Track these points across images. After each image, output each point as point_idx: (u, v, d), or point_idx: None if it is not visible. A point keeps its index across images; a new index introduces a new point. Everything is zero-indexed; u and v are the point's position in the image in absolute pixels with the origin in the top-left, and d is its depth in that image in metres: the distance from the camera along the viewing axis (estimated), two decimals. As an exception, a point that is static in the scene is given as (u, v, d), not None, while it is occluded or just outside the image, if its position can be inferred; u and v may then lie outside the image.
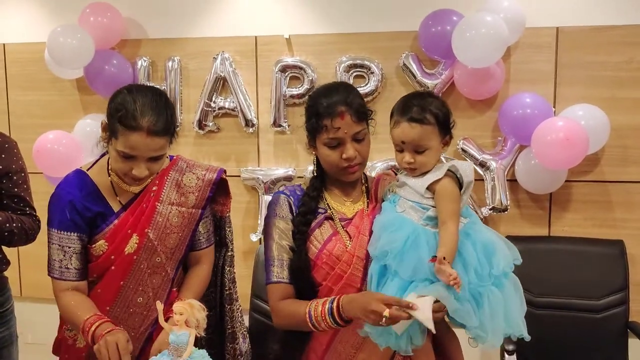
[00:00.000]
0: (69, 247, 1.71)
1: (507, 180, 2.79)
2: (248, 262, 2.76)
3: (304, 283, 1.62)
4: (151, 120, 1.59)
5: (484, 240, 1.52)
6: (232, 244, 1.98)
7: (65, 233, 1.71)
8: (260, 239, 3.01)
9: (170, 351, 1.35)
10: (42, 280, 3.17)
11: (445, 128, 1.58)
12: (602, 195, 2.80)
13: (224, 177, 1.88)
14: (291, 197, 1.68)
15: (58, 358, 1.90)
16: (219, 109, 3.05)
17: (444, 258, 1.42)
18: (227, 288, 1.97)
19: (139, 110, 1.59)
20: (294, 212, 1.65)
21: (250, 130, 3.04)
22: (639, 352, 2.63)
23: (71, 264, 1.71)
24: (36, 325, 3.24)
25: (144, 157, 1.62)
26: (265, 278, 1.66)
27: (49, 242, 1.74)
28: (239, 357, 1.98)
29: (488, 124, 2.84)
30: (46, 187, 3.09)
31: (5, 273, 2.15)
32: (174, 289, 1.82)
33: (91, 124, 3.05)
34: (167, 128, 1.63)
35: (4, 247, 2.09)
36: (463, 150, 2.81)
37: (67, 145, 2.96)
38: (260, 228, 3.00)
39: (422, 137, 1.54)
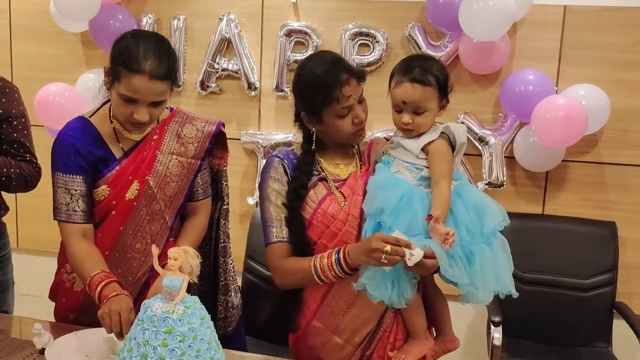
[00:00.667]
0: (75, 190, 1.73)
1: (505, 156, 2.80)
2: (244, 225, 2.79)
3: (300, 242, 1.65)
4: (154, 64, 1.60)
5: (475, 200, 1.57)
6: (228, 197, 2.01)
7: (71, 176, 1.73)
8: (256, 202, 3.04)
9: (164, 295, 1.38)
10: (39, 232, 3.25)
11: (444, 92, 1.60)
12: (598, 177, 2.81)
13: (223, 130, 1.90)
14: (285, 160, 1.70)
15: (54, 305, 1.93)
16: (222, 70, 3.06)
17: (439, 219, 1.46)
18: (221, 241, 2.00)
19: (142, 54, 1.60)
20: (288, 174, 1.67)
21: (252, 93, 3.04)
22: (623, 332, 2.66)
23: (78, 207, 1.74)
24: (31, 277, 3.29)
25: (145, 101, 1.64)
26: (265, 240, 1.68)
27: (54, 186, 1.76)
28: (231, 309, 2.02)
29: (490, 99, 2.85)
30: (47, 140, 3.09)
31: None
32: (171, 239, 1.85)
33: (94, 79, 3.05)
34: (169, 73, 1.65)
35: (3, 193, 2.11)
36: (463, 124, 2.81)
37: (70, 97, 2.97)
38: (257, 192, 3.03)
39: (423, 98, 1.56)
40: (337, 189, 1.67)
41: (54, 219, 1.77)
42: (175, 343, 1.31)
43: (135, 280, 1.82)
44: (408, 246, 1.42)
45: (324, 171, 1.69)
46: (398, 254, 1.42)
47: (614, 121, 2.72)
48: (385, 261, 1.42)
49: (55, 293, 1.93)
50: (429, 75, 1.55)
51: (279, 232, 1.66)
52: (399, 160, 1.61)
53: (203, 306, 1.43)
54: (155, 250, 1.41)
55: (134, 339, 1.34)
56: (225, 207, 2.01)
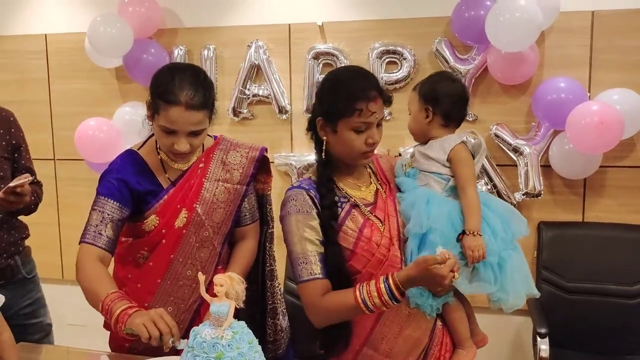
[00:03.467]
0: (108, 214, 1.75)
1: (540, 165, 2.78)
2: (282, 247, 2.80)
3: (340, 274, 1.58)
4: (189, 95, 1.65)
5: (501, 207, 1.62)
6: (273, 221, 2.03)
7: (109, 200, 1.76)
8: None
9: (212, 321, 1.41)
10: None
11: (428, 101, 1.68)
12: (638, 181, 2.77)
13: (266, 154, 1.94)
14: (310, 190, 1.61)
15: (109, 333, 1.95)
16: (253, 96, 3.11)
17: (472, 233, 1.52)
18: (268, 264, 2.02)
19: (177, 86, 1.65)
20: (317, 205, 1.59)
21: (284, 117, 3.09)
22: (675, 340, 2.60)
23: (105, 231, 1.73)
24: (77, 307, 3.36)
25: (184, 131, 1.68)
26: (297, 277, 1.59)
27: (91, 209, 1.77)
28: (280, 332, 2.03)
29: (521, 109, 2.83)
30: (86, 174, 3.22)
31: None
32: (220, 267, 1.88)
33: (130, 112, 3.14)
34: (205, 102, 1.69)
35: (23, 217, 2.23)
36: (496, 135, 2.81)
37: (108, 132, 3.06)
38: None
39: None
40: (371, 213, 1.63)
41: (80, 242, 1.75)
42: (226, 368, 1.34)
43: (187, 307, 1.85)
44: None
45: (351, 197, 1.63)
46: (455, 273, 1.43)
47: (651, 123, 2.67)
48: (453, 284, 1.45)
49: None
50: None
51: (313, 268, 1.56)
52: (424, 172, 1.64)
53: (250, 331, 1.45)
54: (202, 278, 1.45)
55: (185, 365, 1.37)
56: (270, 230, 2.04)
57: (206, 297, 1.44)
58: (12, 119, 2.18)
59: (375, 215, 1.63)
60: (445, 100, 1.66)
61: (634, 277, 2.68)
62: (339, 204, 1.61)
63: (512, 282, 1.54)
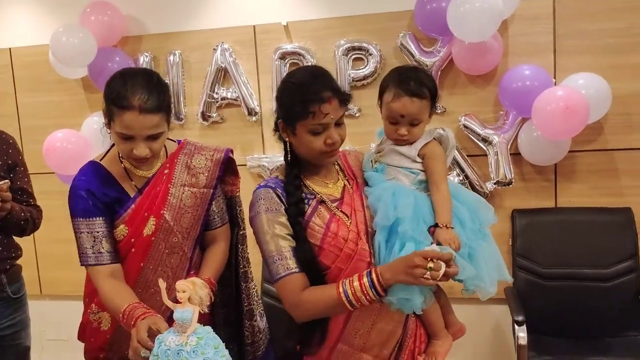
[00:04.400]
0: (98, 232, 1.76)
1: (510, 154, 2.79)
2: (257, 248, 2.79)
3: (311, 270, 1.58)
4: (142, 99, 1.63)
5: (468, 197, 1.62)
6: (244, 222, 2.02)
7: (91, 219, 1.76)
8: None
9: (176, 328, 1.39)
10: (61, 277, 3.28)
11: (434, 102, 1.64)
12: (608, 164, 2.79)
13: (231, 156, 1.93)
14: (277, 188, 1.61)
15: (83, 345, 1.94)
16: (221, 99, 3.10)
17: (445, 225, 1.51)
18: (241, 266, 2.01)
19: (129, 90, 1.63)
20: (284, 202, 1.60)
21: (254, 118, 3.07)
22: (651, 320, 2.62)
23: (103, 248, 1.76)
24: (56, 322, 3.33)
25: (141, 135, 1.66)
26: (273, 276, 1.58)
27: (76, 232, 1.78)
28: (258, 334, 2.02)
29: (489, 98, 2.84)
30: (58, 187, 3.17)
31: (25, 273, 2.28)
32: (192, 272, 1.87)
33: (98, 122, 3.10)
34: (160, 105, 1.67)
35: (16, 238, 2.20)
36: (465, 126, 2.81)
37: (76, 143, 3.02)
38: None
39: (420, 111, 1.59)
40: (338, 208, 1.63)
41: (82, 264, 1.79)
42: (191, 376, 1.32)
43: (160, 314, 1.82)
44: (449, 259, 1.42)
45: (317, 193, 1.63)
46: (439, 268, 1.40)
47: (617, 106, 2.70)
48: (429, 277, 1.40)
49: (83, 334, 1.95)
50: (424, 88, 1.58)
51: (289, 263, 1.55)
52: (392, 167, 1.63)
53: (216, 335, 1.44)
54: (162, 285, 1.43)
55: (151, 374, 1.36)
56: (242, 232, 2.02)
57: (169, 303, 1.42)
58: (11, 141, 2.19)
59: (341, 211, 1.62)
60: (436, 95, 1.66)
61: (609, 260, 2.70)
62: (306, 201, 1.61)
63: (486, 270, 1.54)
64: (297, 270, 1.55)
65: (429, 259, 1.40)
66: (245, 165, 3.09)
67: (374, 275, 1.47)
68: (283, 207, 1.59)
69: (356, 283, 1.48)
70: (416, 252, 1.44)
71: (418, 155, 1.61)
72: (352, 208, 1.63)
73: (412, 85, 1.57)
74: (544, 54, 2.76)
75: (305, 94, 1.53)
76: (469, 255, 1.53)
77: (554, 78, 2.74)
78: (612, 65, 2.71)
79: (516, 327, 2.45)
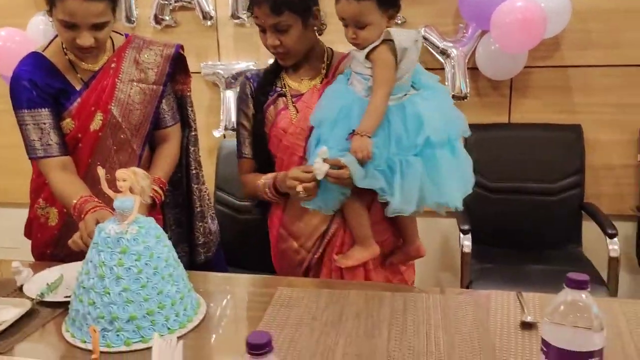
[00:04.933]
0: (44, 123, 1.72)
1: (468, 68, 2.78)
2: (212, 159, 2.77)
3: (264, 154, 1.78)
4: None
5: (417, 113, 1.53)
6: (195, 123, 2.00)
7: (37, 110, 1.72)
8: (223, 134, 3.02)
9: (117, 217, 1.38)
10: (8, 185, 3.21)
11: (386, 2, 1.54)
12: (562, 80, 2.80)
13: (182, 52, 1.88)
14: (251, 79, 1.79)
15: (30, 242, 1.94)
16: (175, 1, 2.97)
17: (359, 133, 1.49)
18: (192, 168, 2.00)
19: None
20: (252, 94, 1.77)
21: (209, 23, 2.96)
22: (592, 233, 2.72)
23: (52, 140, 1.73)
24: (4, 230, 3.28)
25: (85, 24, 1.60)
26: (236, 154, 1.86)
27: (21, 125, 1.73)
28: (209, 235, 2.04)
29: (449, 10, 2.79)
30: (3, 89, 3.04)
31: None
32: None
33: (45, 20, 2.95)
34: None
35: None
36: (424, 38, 2.77)
37: (21, 42, 2.87)
38: (223, 124, 3.01)
39: (360, 12, 1.52)
40: (293, 103, 1.71)
41: (30, 157, 1.76)
42: (131, 262, 1.32)
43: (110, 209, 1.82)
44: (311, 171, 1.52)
45: (285, 88, 1.74)
46: (311, 186, 1.53)
47: (576, 22, 2.68)
48: (304, 195, 1.54)
49: (30, 229, 1.95)
50: None
51: (244, 148, 1.81)
52: (353, 72, 1.60)
53: (159, 226, 1.43)
54: (101, 172, 1.41)
55: (91, 261, 1.35)
56: (193, 133, 2.00)
57: (109, 192, 1.40)
58: None
59: (294, 105, 1.71)
60: None
61: (556, 175, 2.77)
62: (271, 93, 1.75)
63: (402, 188, 1.50)
64: (248, 156, 1.81)
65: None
66: (199, 72, 3.01)
67: (271, 180, 1.68)
68: (251, 99, 1.78)
69: (263, 180, 1.71)
70: (288, 173, 1.58)
71: (368, 59, 1.55)
72: (305, 105, 1.67)
73: None
74: (506, -35, 2.70)
75: None
76: (390, 169, 1.50)
77: (515, -10, 2.70)
78: (574, -21, 2.67)
79: (461, 235, 2.52)
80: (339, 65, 1.74)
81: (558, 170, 2.77)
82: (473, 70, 2.80)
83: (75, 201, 1.65)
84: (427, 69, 2.76)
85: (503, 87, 2.84)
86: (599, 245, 2.59)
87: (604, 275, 2.49)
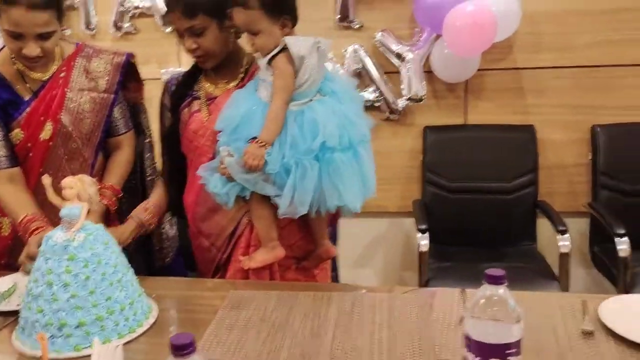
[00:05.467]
0: None
1: (423, 71, 2.84)
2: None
3: (177, 155, 1.83)
4: None
5: (314, 118, 1.55)
6: (150, 130, 2.01)
7: None
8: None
9: (64, 224, 1.39)
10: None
11: (276, 10, 1.55)
12: (515, 82, 2.88)
13: (133, 61, 1.90)
14: (170, 83, 1.88)
15: None
16: (134, 8, 2.98)
17: (258, 141, 1.52)
18: (148, 174, 2.01)
19: None
20: (169, 97, 1.86)
21: (168, 29, 2.98)
22: (546, 230, 2.81)
23: None
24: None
25: (30, 34, 1.61)
26: None
27: None
28: (166, 241, 2.05)
29: (405, 14, 2.85)
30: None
31: None
32: (95, 179, 1.85)
33: None
34: (49, 2, 1.61)
35: None
36: (381, 42, 2.83)
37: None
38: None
39: (249, 21, 1.55)
40: (207, 106, 1.76)
41: None
42: (78, 269, 1.34)
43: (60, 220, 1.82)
44: None
45: (199, 91, 1.79)
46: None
47: (527, 25, 2.76)
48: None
49: None
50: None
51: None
52: (259, 78, 1.63)
53: (107, 232, 1.45)
54: (47, 181, 1.42)
55: (38, 270, 1.36)
56: (147, 140, 2.01)
57: (55, 200, 1.42)
58: None
59: (207, 108, 1.76)
60: (292, 2, 1.60)
61: (511, 174, 2.85)
62: (187, 97, 1.80)
63: (295, 190, 1.52)
64: None
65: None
66: (159, 79, 3.01)
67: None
68: (168, 99, 1.86)
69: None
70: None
71: (270, 66, 1.57)
72: (217, 107, 1.73)
73: None
74: (459, -29, 2.77)
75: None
76: (286, 171, 1.53)
77: (467, -6, 2.77)
78: (523, -17, 2.75)
79: (419, 235, 2.58)
80: (255, 71, 1.75)
81: (513, 169, 2.85)
82: (429, 73, 2.87)
83: (20, 219, 1.67)
84: (385, 72, 2.88)
85: (458, 90, 2.91)
86: (552, 242, 2.67)
87: (557, 270, 2.57)
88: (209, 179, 1.63)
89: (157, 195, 1.91)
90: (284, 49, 1.55)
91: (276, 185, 1.55)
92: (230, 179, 1.58)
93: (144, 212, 1.83)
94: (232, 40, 1.73)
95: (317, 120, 1.54)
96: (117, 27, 3.00)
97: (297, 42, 1.55)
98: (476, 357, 0.94)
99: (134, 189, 2.01)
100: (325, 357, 1.26)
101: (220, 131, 1.65)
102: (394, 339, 1.32)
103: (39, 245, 1.47)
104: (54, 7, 1.64)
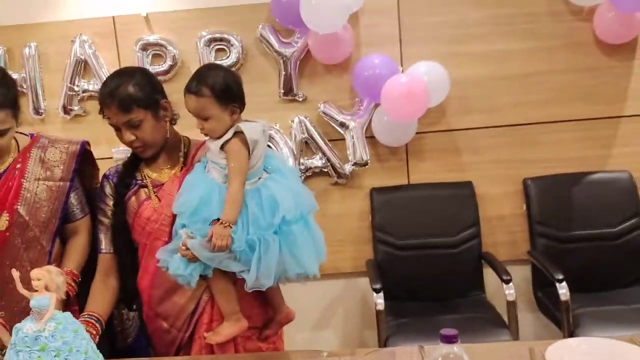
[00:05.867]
0: None
1: (366, 137, 3.01)
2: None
3: (125, 243, 1.87)
4: None
5: (272, 195, 1.68)
6: None
7: None
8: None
9: (34, 315, 1.42)
10: None
11: (225, 98, 1.69)
12: (450, 143, 3.08)
13: (88, 148, 1.96)
14: (109, 177, 1.91)
15: None
16: (83, 92, 3.06)
17: (222, 222, 1.62)
18: None
19: None
20: (112, 190, 1.88)
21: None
22: (492, 279, 2.96)
23: None
24: None
25: None
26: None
27: None
28: (127, 321, 2.06)
29: (345, 86, 3.04)
30: None
31: None
32: (54, 265, 1.87)
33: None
34: (3, 101, 1.68)
35: None
36: (324, 112, 3.00)
37: None
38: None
39: (201, 107, 1.69)
40: (155, 193, 1.83)
41: None
42: (50, 358, 1.37)
43: (22, 309, 1.81)
44: None
45: (145, 179, 1.86)
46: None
47: (456, 90, 2.98)
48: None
49: None
50: (202, 86, 1.68)
51: (103, 245, 1.91)
52: (209, 161, 1.74)
53: (76, 320, 1.48)
54: (16, 274, 1.45)
55: (10, 363, 1.38)
56: None
57: (24, 292, 1.45)
58: None
59: (156, 195, 1.82)
60: (241, 91, 1.74)
61: (455, 228, 3.01)
62: (133, 186, 1.86)
63: (260, 264, 1.62)
64: (105, 251, 1.90)
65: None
66: (112, 157, 3.07)
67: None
68: (108, 195, 1.88)
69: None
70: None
71: (222, 150, 1.69)
72: (167, 193, 1.80)
73: (192, 83, 1.70)
74: (391, 44, 2.99)
75: (99, 97, 1.81)
76: (250, 247, 1.63)
77: (401, 66, 2.99)
78: (450, 53, 2.99)
79: (374, 294, 2.68)
80: (196, 154, 1.86)
81: (457, 224, 3.01)
82: (371, 138, 3.04)
83: None
84: (329, 140, 3.04)
85: (400, 152, 3.08)
86: (499, 290, 2.82)
87: (506, 317, 2.71)
88: (170, 262, 1.68)
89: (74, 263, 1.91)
90: (236, 133, 1.68)
91: (241, 262, 1.63)
92: (192, 260, 1.65)
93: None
94: (168, 127, 1.84)
95: (275, 197, 1.66)
96: (66, 111, 3.06)
97: (251, 128, 1.69)
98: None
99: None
100: None
101: (174, 214, 1.73)
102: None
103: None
104: (9, 106, 1.71)
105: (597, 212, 2.97)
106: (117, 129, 1.79)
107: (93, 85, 3.05)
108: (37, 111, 3.08)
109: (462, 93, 3.03)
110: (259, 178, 1.72)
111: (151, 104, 1.76)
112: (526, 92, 3.03)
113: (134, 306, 1.98)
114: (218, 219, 1.62)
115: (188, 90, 1.70)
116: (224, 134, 1.69)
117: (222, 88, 1.68)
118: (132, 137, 1.76)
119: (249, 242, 1.63)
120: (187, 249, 1.63)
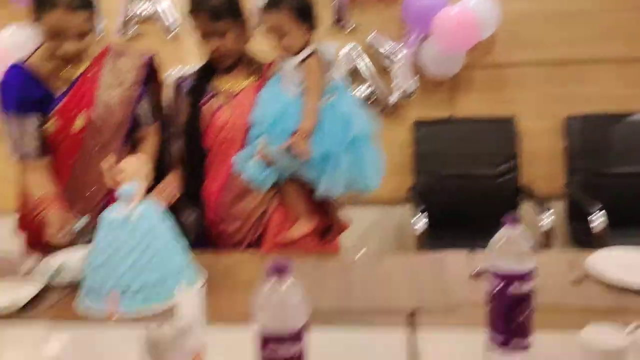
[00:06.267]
0: (26, 129, 1.89)
1: (413, 68, 3.07)
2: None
3: (197, 149, 1.94)
4: None
5: (344, 111, 1.81)
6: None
7: (22, 115, 1.88)
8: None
9: (121, 201, 1.51)
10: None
11: (303, 16, 1.79)
12: (496, 77, 3.13)
13: (154, 61, 2.04)
14: (185, 84, 1.99)
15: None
16: (139, 15, 3.15)
17: (301, 133, 1.74)
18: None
19: None
20: (182, 94, 1.98)
21: (171, 35, 3.16)
22: (527, 211, 3.05)
23: (30, 144, 1.90)
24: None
25: (70, 33, 1.77)
26: None
27: (5, 127, 1.90)
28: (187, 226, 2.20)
29: (395, 17, 3.08)
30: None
31: None
32: None
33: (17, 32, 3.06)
34: (85, 2, 1.78)
35: None
36: (373, 43, 3.05)
37: None
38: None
39: (279, 22, 1.78)
40: (229, 102, 1.92)
41: (14, 157, 1.93)
42: (139, 237, 1.48)
43: (94, 206, 1.94)
44: None
45: (216, 87, 1.94)
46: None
47: (507, 24, 3.00)
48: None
49: (24, 223, 2.06)
50: (283, 2, 1.77)
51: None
52: (285, 75, 1.84)
53: (160, 207, 1.60)
54: (106, 164, 1.58)
55: (99, 242, 1.49)
56: (172, 130, 2.11)
57: (112, 184, 1.58)
58: None
59: (230, 104, 1.91)
60: (315, 12, 1.83)
61: (496, 161, 3.10)
62: (206, 94, 1.93)
63: (332, 175, 1.77)
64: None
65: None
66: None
67: None
68: (180, 97, 1.98)
69: None
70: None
71: (299, 67, 1.80)
72: (240, 103, 1.89)
73: (272, 0, 1.79)
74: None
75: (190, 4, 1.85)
76: (324, 159, 1.76)
77: (451, -2, 3.01)
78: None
79: (415, 218, 2.79)
80: (267, 69, 1.96)
81: (497, 157, 3.10)
82: (418, 69, 3.09)
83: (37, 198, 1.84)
84: (376, 70, 3.08)
85: (445, 85, 3.14)
86: (534, 225, 2.90)
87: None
88: (246, 167, 1.83)
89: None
90: (312, 52, 1.78)
91: (314, 171, 1.77)
92: (269, 165, 1.78)
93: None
94: (246, 40, 1.93)
95: (348, 113, 1.80)
96: (124, 33, 3.16)
97: (327, 49, 1.82)
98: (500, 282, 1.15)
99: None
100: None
101: (247, 124, 1.86)
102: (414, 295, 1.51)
103: (60, 218, 1.70)
104: (90, 7, 1.81)
105: (637, 151, 3.01)
106: (204, 36, 1.87)
107: (148, 9, 3.13)
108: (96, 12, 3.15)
109: (512, 27, 3.04)
110: (329, 97, 1.83)
111: (239, 14, 1.86)
112: (575, 29, 3.05)
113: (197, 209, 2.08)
114: (295, 131, 1.75)
115: (269, 6, 1.79)
116: (299, 53, 1.79)
117: (301, 5, 1.79)
118: (217, 44, 1.85)
119: (323, 154, 1.75)
120: (266, 154, 1.76)
